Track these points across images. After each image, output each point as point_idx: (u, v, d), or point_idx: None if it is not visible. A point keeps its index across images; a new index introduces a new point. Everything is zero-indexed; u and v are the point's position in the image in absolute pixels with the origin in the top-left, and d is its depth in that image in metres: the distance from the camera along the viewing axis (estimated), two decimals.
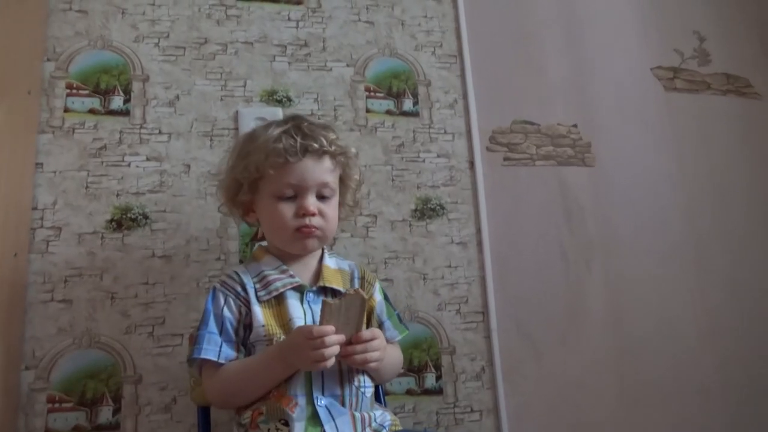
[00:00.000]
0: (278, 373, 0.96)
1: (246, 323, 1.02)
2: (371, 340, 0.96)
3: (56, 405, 1.20)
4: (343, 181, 1.14)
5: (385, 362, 1.02)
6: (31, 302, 1.24)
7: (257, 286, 1.05)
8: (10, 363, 1.16)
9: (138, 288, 1.29)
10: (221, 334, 1.01)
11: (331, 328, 0.92)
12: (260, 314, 1.02)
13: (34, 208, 1.28)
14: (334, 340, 0.91)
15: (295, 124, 1.09)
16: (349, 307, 0.94)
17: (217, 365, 0.99)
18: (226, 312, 1.02)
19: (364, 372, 1.03)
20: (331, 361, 0.92)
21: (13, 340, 1.18)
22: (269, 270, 1.07)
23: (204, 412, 1.15)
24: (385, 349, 1.00)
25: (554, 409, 1.43)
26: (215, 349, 0.99)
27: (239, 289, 1.04)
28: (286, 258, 1.08)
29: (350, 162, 1.14)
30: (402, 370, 1.34)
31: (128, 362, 1.25)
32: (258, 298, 1.03)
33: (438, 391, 1.38)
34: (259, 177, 1.07)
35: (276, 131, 1.07)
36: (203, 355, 0.98)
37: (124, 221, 1.32)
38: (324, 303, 0.94)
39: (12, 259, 1.17)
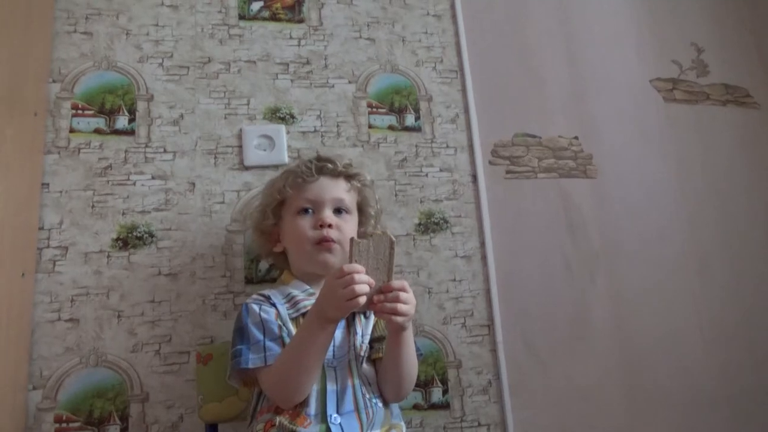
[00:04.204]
0: (317, 333, 0.94)
1: (284, 327, 1.03)
2: (401, 290, 0.94)
3: (63, 425, 1.20)
4: (362, 209, 1.20)
5: (406, 354, 1.02)
6: (38, 322, 1.24)
7: (287, 305, 1.07)
8: (17, 383, 1.16)
9: (144, 306, 1.29)
10: (265, 335, 1.01)
11: (360, 266, 0.91)
12: (294, 330, 1.04)
13: (41, 228, 1.29)
14: (364, 279, 0.90)
15: (315, 155, 1.20)
16: (378, 248, 0.93)
17: (267, 367, 0.99)
18: (264, 315, 1.03)
19: (377, 393, 1.05)
20: (363, 299, 0.90)
21: (20, 360, 1.18)
22: (296, 292, 1.10)
23: (212, 431, 1.15)
24: (414, 306, 0.97)
25: (561, 422, 1.42)
26: (260, 355, 0.99)
27: (270, 303, 1.07)
28: (312, 282, 1.11)
29: (366, 190, 1.21)
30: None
31: (135, 381, 1.25)
32: (288, 315, 1.06)
33: (445, 406, 1.37)
34: (281, 201, 1.15)
35: (297, 162, 1.20)
36: (251, 365, 0.98)
37: (129, 240, 1.32)
38: (352, 241, 0.94)
39: (19, 279, 1.17)
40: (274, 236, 1.19)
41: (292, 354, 0.96)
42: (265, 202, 1.19)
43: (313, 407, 0.97)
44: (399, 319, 0.94)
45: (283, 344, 1.01)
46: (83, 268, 1.29)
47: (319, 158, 1.18)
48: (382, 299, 0.93)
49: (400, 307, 0.93)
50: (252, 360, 0.98)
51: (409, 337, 1.02)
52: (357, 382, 1.02)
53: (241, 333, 1.03)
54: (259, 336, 1.01)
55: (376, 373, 1.08)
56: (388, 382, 1.05)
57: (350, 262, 0.93)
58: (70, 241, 1.30)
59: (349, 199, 1.16)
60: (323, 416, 0.97)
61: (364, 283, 0.90)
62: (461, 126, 1.57)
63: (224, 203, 1.38)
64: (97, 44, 1.43)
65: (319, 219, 1.10)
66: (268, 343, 1.00)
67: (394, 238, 0.95)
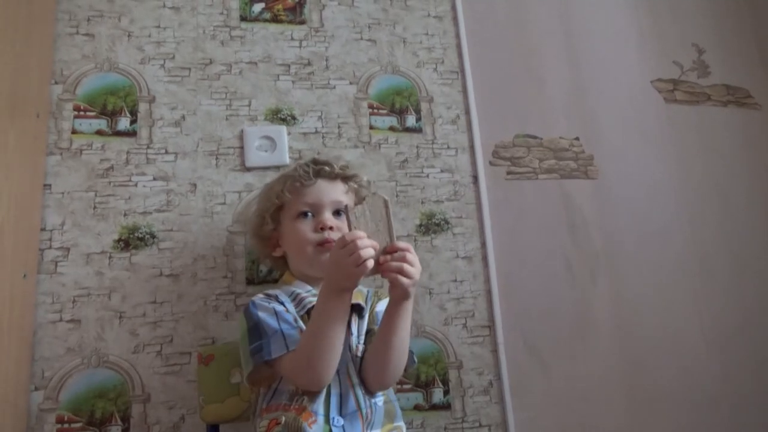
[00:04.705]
0: (334, 308, 0.95)
1: (296, 320, 1.03)
2: (407, 250, 0.95)
3: (65, 425, 1.20)
4: None
5: (401, 331, 1.00)
6: (40, 323, 1.24)
7: (293, 303, 1.08)
8: (19, 384, 1.17)
9: (146, 307, 1.29)
10: (280, 323, 1.00)
11: (361, 232, 0.92)
12: (303, 326, 1.04)
13: (43, 229, 1.29)
14: (367, 243, 0.91)
15: (311, 158, 1.20)
16: (373, 210, 0.94)
17: (289, 353, 0.98)
18: (277, 307, 1.04)
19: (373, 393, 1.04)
20: (371, 263, 0.90)
21: (22, 361, 1.18)
22: (300, 290, 1.10)
23: (213, 431, 1.16)
24: (420, 272, 0.96)
25: (562, 423, 1.42)
26: (282, 343, 0.98)
27: (278, 302, 1.07)
28: (314, 284, 1.12)
29: (363, 190, 1.21)
30: (410, 384, 1.35)
31: (136, 381, 1.25)
32: (296, 312, 1.06)
33: (446, 407, 1.37)
34: (280, 206, 1.15)
35: (294, 166, 1.20)
36: (274, 355, 0.97)
37: (131, 241, 1.33)
38: (347, 209, 0.97)
39: (21, 280, 1.18)
40: (273, 241, 1.19)
41: (313, 335, 0.96)
42: (263, 208, 1.19)
43: (320, 407, 0.98)
44: (405, 281, 0.93)
45: (300, 331, 1.01)
46: (85, 269, 1.29)
47: (315, 161, 1.18)
48: (389, 259, 0.93)
49: (407, 267, 0.93)
50: (275, 350, 0.97)
51: (408, 312, 1.00)
52: (356, 381, 1.02)
53: (256, 329, 1.01)
54: (276, 326, 1.00)
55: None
56: (374, 364, 1.02)
57: (349, 229, 0.93)
58: (71, 242, 1.30)
59: (348, 201, 1.16)
60: (327, 417, 0.97)
61: (368, 246, 0.90)
62: (462, 127, 1.57)
63: (225, 204, 1.39)
64: (99, 46, 1.43)
65: (319, 222, 1.11)
66: (287, 331, 0.99)
67: (387, 198, 0.95)
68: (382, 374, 1.03)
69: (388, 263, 0.93)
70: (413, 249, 0.96)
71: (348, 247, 0.90)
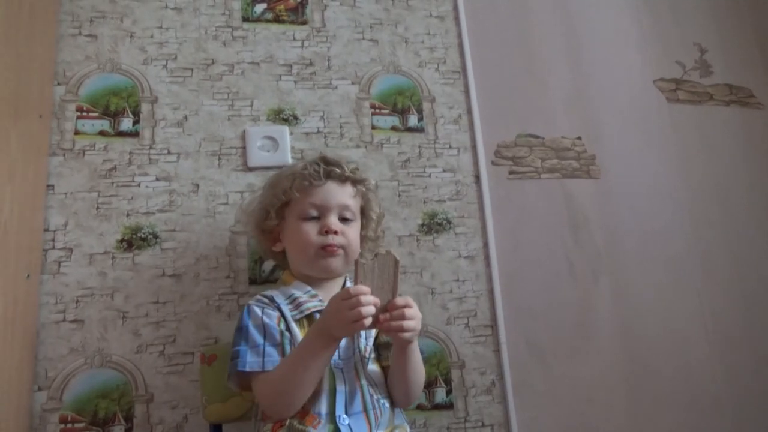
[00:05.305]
0: (320, 351, 0.95)
1: (286, 333, 1.04)
2: (406, 306, 0.96)
3: (69, 425, 1.20)
4: (364, 213, 1.20)
5: (413, 364, 1.04)
6: (44, 323, 1.25)
7: (290, 306, 1.07)
8: (23, 384, 1.17)
9: (149, 307, 1.30)
10: (265, 339, 1.01)
11: (366, 287, 0.93)
12: (298, 331, 1.04)
13: (46, 230, 1.30)
14: (370, 300, 0.92)
15: (321, 156, 1.18)
16: (383, 268, 0.95)
17: (264, 374, 0.99)
18: (267, 320, 1.04)
19: (384, 394, 1.06)
20: (368, 321, 0.91)
21: (26, 361, 1.19)
22: (299, 293, 1.10)
23: (216, 431, 1.16)
24: (420, 320, 0.98)
25: (565, 422, 1.42)
26: (258, 360, 0.99)
27: (274, 306, 1.07)
28: (313, 284, 1.12)
29: (370, 194, 1.21)
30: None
31: (140, 381, 1.25)
32: (292, 316, 1.06)
33: (448, 406, 1.38)
34: (286, 202, 1.14)
35: (302, 163, 1.18)
36: (248, 368, 0.98)
37: (134, 241, 1.33)
38: (357, 263, 0.95)
39: (24, 281, 1.18)
40: (275, 235, 1.19)
41: (291, 369, 0.96)
42: (269, 202, 1.18)
43: (324, 407, 0.98)
44: (406, 335, 0.96)
45: (282, 352, 1.00)
46: (88, 269, 1.29)
47: (326, 161, 1.17)
48: (388, 318, 0.95)
49: (406, 323, 0.95)
50: (250, 363, 0.99)
51: (415, 349, 1.04)
52: (364, 383, 1.03)
53: (240, 333, 1.03)
54: (260, 339, 1.01)
55: (384, 377, 1.08)
56: (397, 390, 1.07)
57: (356, 283, 0.94)
58: (74, 243, 1.30)
59: (354, 205, 1.16)
60: (332, 416, 0.97)
61: (370, 304, 0.92)
62: (464, 127, 1.57)
63: (228, 204, 1.39)
64: (102, 47, 1.44)
65: (324, 225, 1.10)
66: (268, 348, 1.00)
67: (398, 258, 0.96)
68: (406, 397, 1.08)
69: (387, 322, 0.95)
70: (413, 302, 0.98)
71: (350, 300, 0.91)
